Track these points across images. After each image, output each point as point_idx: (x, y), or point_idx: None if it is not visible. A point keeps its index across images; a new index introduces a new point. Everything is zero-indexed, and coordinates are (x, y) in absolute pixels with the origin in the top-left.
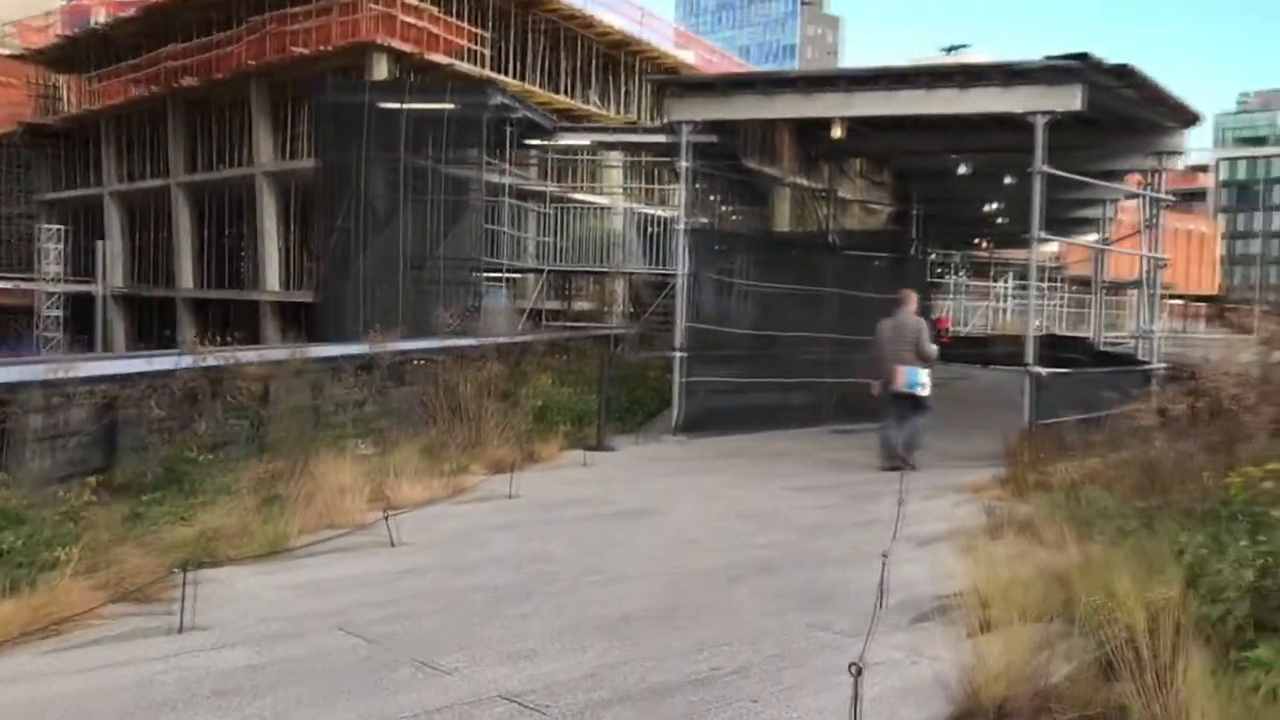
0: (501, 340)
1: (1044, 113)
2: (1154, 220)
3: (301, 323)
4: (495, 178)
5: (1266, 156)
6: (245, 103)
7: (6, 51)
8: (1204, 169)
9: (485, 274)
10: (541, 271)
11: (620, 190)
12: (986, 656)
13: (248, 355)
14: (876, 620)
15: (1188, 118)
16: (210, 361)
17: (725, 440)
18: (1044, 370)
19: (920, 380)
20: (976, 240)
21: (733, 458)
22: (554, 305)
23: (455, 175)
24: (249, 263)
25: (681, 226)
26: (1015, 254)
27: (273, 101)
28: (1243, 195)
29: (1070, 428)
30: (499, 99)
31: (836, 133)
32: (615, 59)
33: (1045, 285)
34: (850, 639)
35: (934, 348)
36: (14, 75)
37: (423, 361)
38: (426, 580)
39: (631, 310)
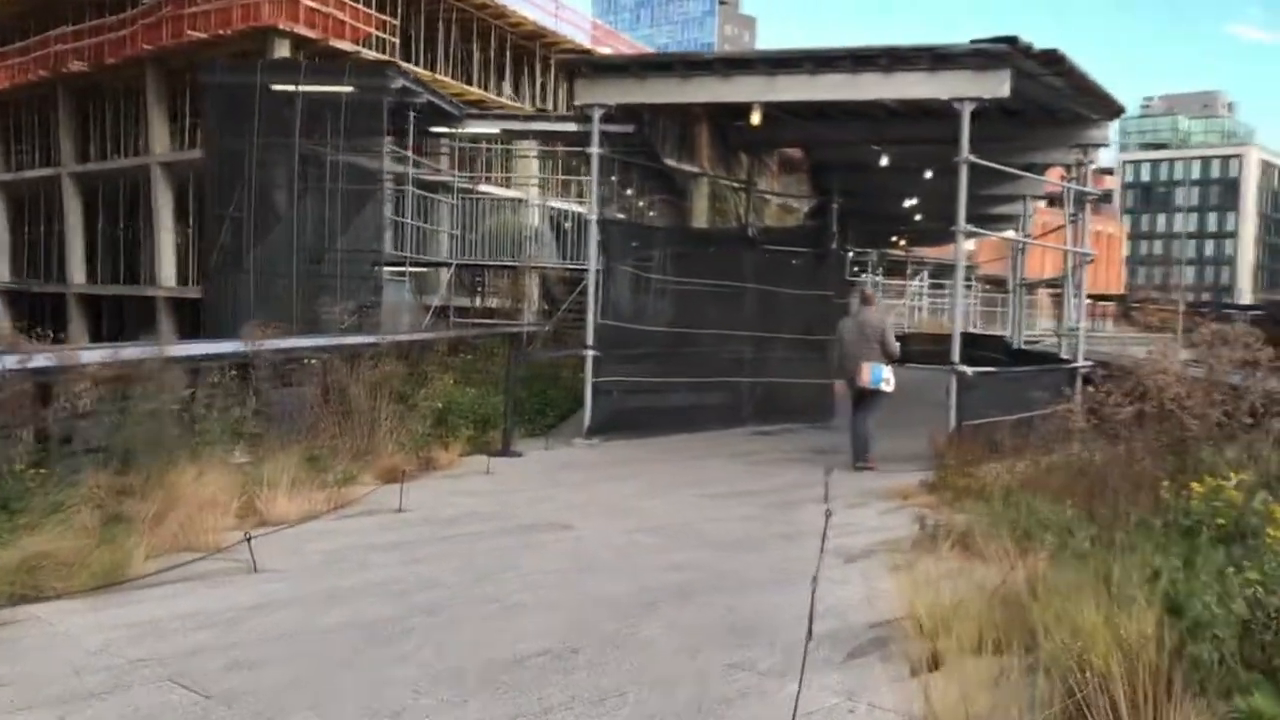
0: (400, 338)
1: (971, 99)
2: (1078, 215)
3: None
4: (398, 167)
5: (1169, 159)
6: (140, 90)
7: None
8: (1109, 172)
9: (387, 268)
10: (449, 265)
11: (533, 182)
12: (936, 703)
13: (92, 355)
14: (806, 657)
15: (1112, 109)
16: (40, 362)
17: (639, 444)
18: (970, 369)
19: (884, 376)
20: (893, 238)
21: (647, 463)
22: (464, 302)
23: (355, 164)
24: (145, 257)
25: (593, 218)
26: (931, 251)
27: (169, 89)
28: (1145, 197)
29: (999, 429)
30: (400, 82)
31: (756, 118)
32: (529, 51)
33: (960, 284)
34: (777, 680)
35: (897, 345)
36: None
37: (313, 361)
38: (289, 616)
39: (545, 307)
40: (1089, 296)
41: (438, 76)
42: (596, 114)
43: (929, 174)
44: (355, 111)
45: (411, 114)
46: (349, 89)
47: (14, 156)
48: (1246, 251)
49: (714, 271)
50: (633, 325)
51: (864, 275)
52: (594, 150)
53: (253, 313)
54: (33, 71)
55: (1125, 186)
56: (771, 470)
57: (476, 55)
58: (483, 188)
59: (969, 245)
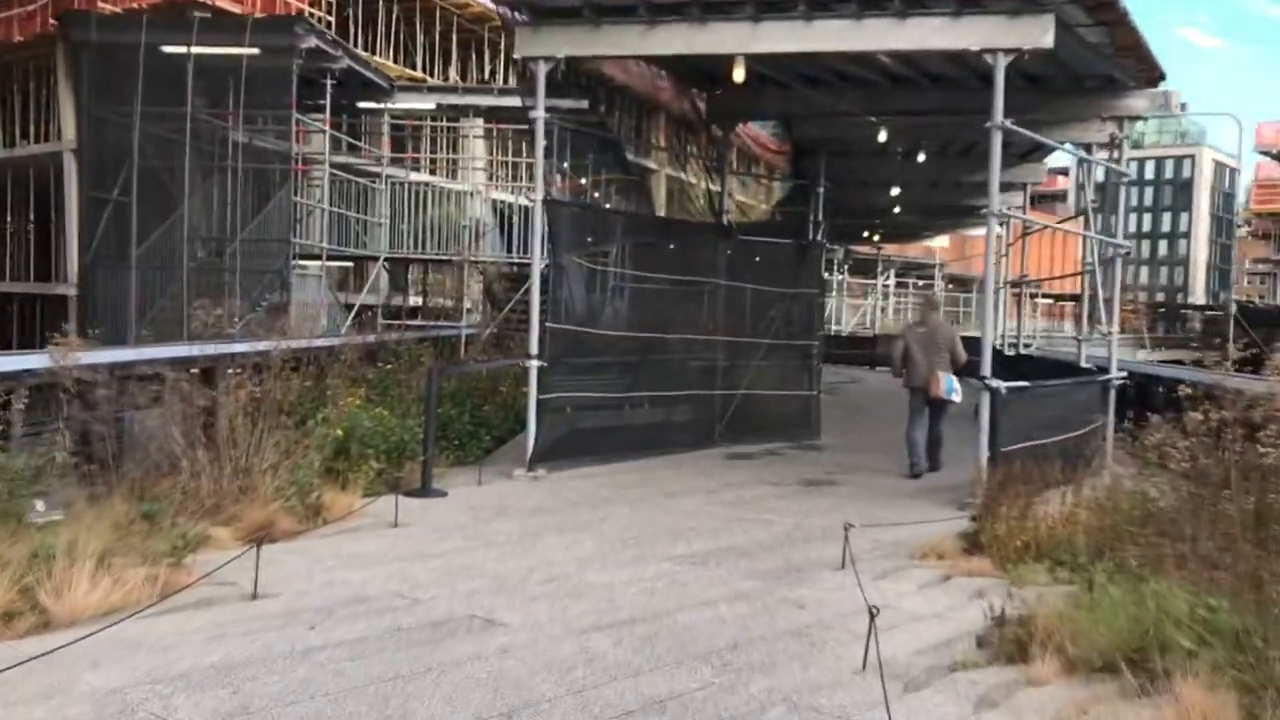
0: (297, 344)
1: (1007, 50)
2: (1108, 201)
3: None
4: (311, 148)
5: (1128, 159)
6: (50, 70)
7: None
8: (1064, 171)
9: (303, 261)
10: (377, 259)
11: (477, 167)
12: None
13: None
14: None
15: (1153, 73)
16: None
17: (594, 475)
18: (1004, 385)
19: (955, 387)
20: (866, 233)
21: (604, 504)
22: (397, 301)
23: (260, 142)
24: (57, 251)
25: (537, 198)
26: (896, 249)
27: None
28: (1101, 196)
29: (1039, 454)
30: (313, 41)
31: (739, 75)
32: (477, 36)
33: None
34: None
35: (964, 354)
36: None
37: (185, 377)
38: None
39: (487, 307)
40: (1050, 297)
41: (379, 60)
42: (541, 69)
43: (921, 157)
44: (259, 79)
45: (329, 81)
46: (251, 50)
47: None
48: (1200, 252)
49: (682, 266)
50: (586, 329)
51: (830, 275)
52: (539, 114)
53: (134, 314)
54: None
55: (1079, 186)
56: (762, 512)
57: (420, 39)
58: (418, 175)
59: (942, 241)
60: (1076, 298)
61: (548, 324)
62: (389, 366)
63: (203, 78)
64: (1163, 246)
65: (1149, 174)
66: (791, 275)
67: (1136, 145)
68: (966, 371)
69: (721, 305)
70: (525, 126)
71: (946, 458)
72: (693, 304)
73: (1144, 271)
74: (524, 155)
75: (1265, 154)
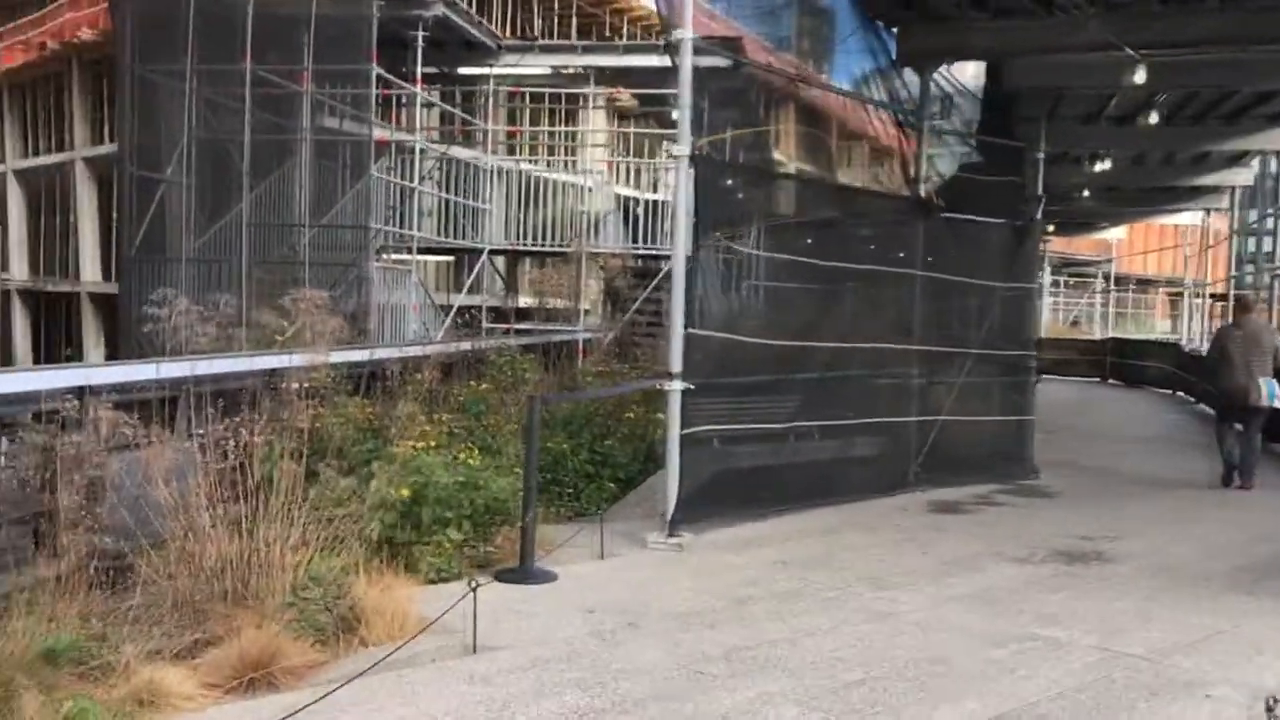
0: (356, 356)
1: None
2: None
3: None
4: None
5: None
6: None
7: None
8: None
9: (390, 255)
10: (479, 252)
11: (594, 143)
12: None
13: None
14: None
15: None
16: None
17: (757, 541)
18: None
19: (1276, 392)
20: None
21: (786, 605)
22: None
23: (334, 109)
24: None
25: (683, 152)
26: (1071, 244)
27: None
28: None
29: None
30: None
31: None
32: (598, 20)
33: (1073, 282)
34: None
35: None
36: None
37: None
38: None
39: (608, 307)
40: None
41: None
42: None
43: (1154, 118)
44: (331, 30)
45: (420, 31)
46: None
47: (29, 143)
48: None
49: (866, 252)
50: (742, 338)
51: None
52: (685, 34)
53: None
54: (46, 45)
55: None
56: (1034, 623)
57: (539, 23)
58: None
59: (1119, 232)
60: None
61: (691, 331)
62: (483, 386)
63: (265, 30)
64: None
65: None
66: (1003, 265)
67: None
68: None
69: (917, 304)
70: (658, 91)
71: None
72: (880, 303)
73: None
74: (648, 145)
75: None
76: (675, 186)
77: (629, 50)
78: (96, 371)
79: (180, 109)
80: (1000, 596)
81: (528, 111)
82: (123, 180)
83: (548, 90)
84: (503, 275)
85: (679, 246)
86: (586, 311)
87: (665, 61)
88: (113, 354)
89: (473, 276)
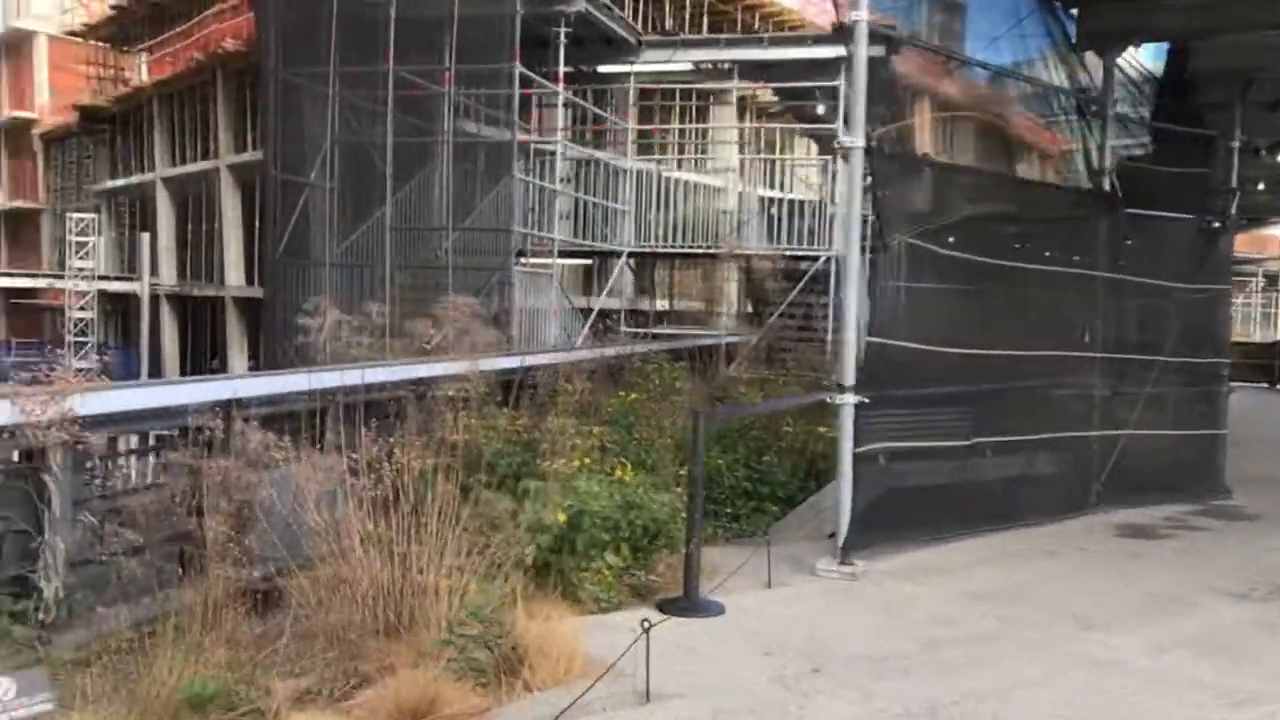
0: (506, 363)
1: None
2: None
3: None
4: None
5: None
6: None
7: (57, 31)
8: None
9: (529, 259)
10: (619, 254)
11: (728, 140)
12: None
13: None
14: None
15: None
16: None
17: (938, 570)
18: None
19: None
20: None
21: (985, 649)
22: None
23: (477, 109)
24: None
25: (855, 144)
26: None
27: None
28: None
29: None
30: None
31: None
32: (729, 18)
33: None
34: None
35: None
36: (78, 57)
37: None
38: None
39: (749, 310)
40: None
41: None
42: None
43: None
44: (473, 30)
45: (561, 29)
46: None
47: (176, 151)
48: None
49: (1045, 251)
50: (922, 345)
51: None
52: (859, 14)
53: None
54: (191, 56)
55: None
56: (1276, 673)
57: (669, 21)
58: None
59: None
60: None
61: (868, 339)
62: (632, 396)
63: (406, 32)
64: None
65: None
66: (1191, 264)
67: None
68: None
69: (1100, 308)
70: (804, 85)
71: None
72: (1059, 307)
73: None
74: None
75: None
76: (848, 180)
77: (773, 43)
78: (246, 383)
79: (323, 113)
80: (1229, 642)
81: (656, 110)
82: (267, 185)
83: (679, 87)
84: (639, 278)
85: (851, 247)
86: (725, 314)
87: (812, 54)
88: (255, 357)
89: (611, 280)
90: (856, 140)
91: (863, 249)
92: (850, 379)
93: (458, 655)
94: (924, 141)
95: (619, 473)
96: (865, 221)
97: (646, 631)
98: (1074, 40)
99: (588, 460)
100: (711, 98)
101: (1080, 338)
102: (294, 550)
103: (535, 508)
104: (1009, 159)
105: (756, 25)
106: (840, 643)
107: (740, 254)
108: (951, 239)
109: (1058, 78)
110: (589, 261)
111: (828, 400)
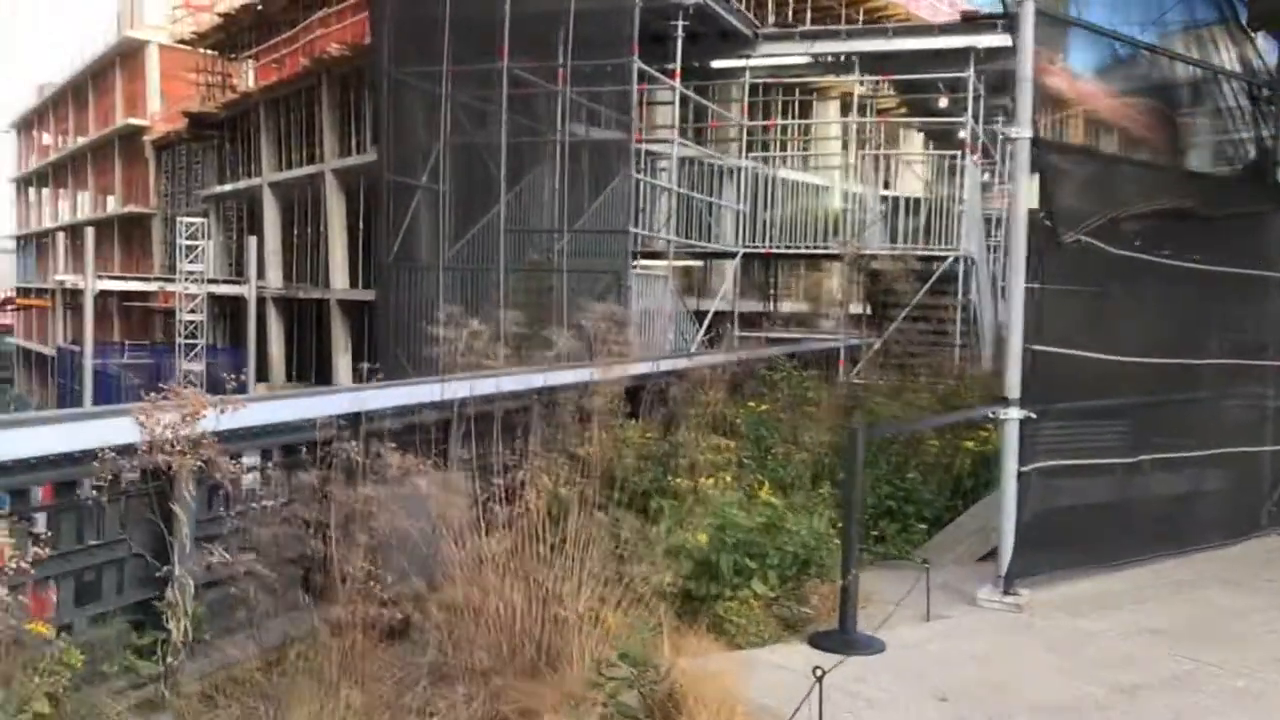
0: (642, 368)
1: None
2: None
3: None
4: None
5: None
6: None
7: (168, 40)
8: None
9: (641, 260)
10: (732, 255)
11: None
12: None
13: None
14: None
15: None
16: None
17: (1110, 603)
18: None
19: None
20: None
21: (1182, 691)
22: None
23: (590, 107)
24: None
25: (1022, 135)
26: None
27: None
28: None
29: None
30: None
31: None
32: (833, 14)
33: None
34: None
35: None
36: (187, 66)
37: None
38: None
39: (869, 313)
40: None
41: None
42: None
43: None
44: (590, 24)
45: (680, 22)
46: None
47: (282, 157)
48: None
49: (1214, 249)
50: (1094, 354)
51: None
52: (1026, 5)
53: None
54: (296, 62)
55: None
56: None
57: (770, 16)
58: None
59: None
60: None
61: (1033, 347)
62: (763, 407)
63: (521, 27)
64: None
65: None
66: None
67: None
68: None
69: (1275, 311)
70: (930, 77)
71: None
72: (1231, 310)
73: None
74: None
75: None
76: (1016, 166)
77: (898, 34)
78: (374, 394)
79: (436, 114)
80: None
81: (760, 106)
82: (380, 188)
83: (796, 81)
84: (750, 279)
85: (1017, 246)
86: (837, 317)
87: (938, 44)
88: (358, 358)
89: (725, 282)
90: (1023, 131)
91: (989, 248)
92: (1015, 391)
93: (608, 700)
94: (1080, 133)
95: (762, 493)
96: (989, 220)
97: (819, 680)
98: (1245, 21)
99: (728, 479)
100: (815, 94)
101: (1253, 344)
102: (425, 575)
103: (670, 528)
104: (1174, 151)
105: (861, 19)
106: (1019, 687)
107: (866, 254)
108: (1123, 237)
109: (1227, 61)
110: (698, 263)
111: (990, 416)
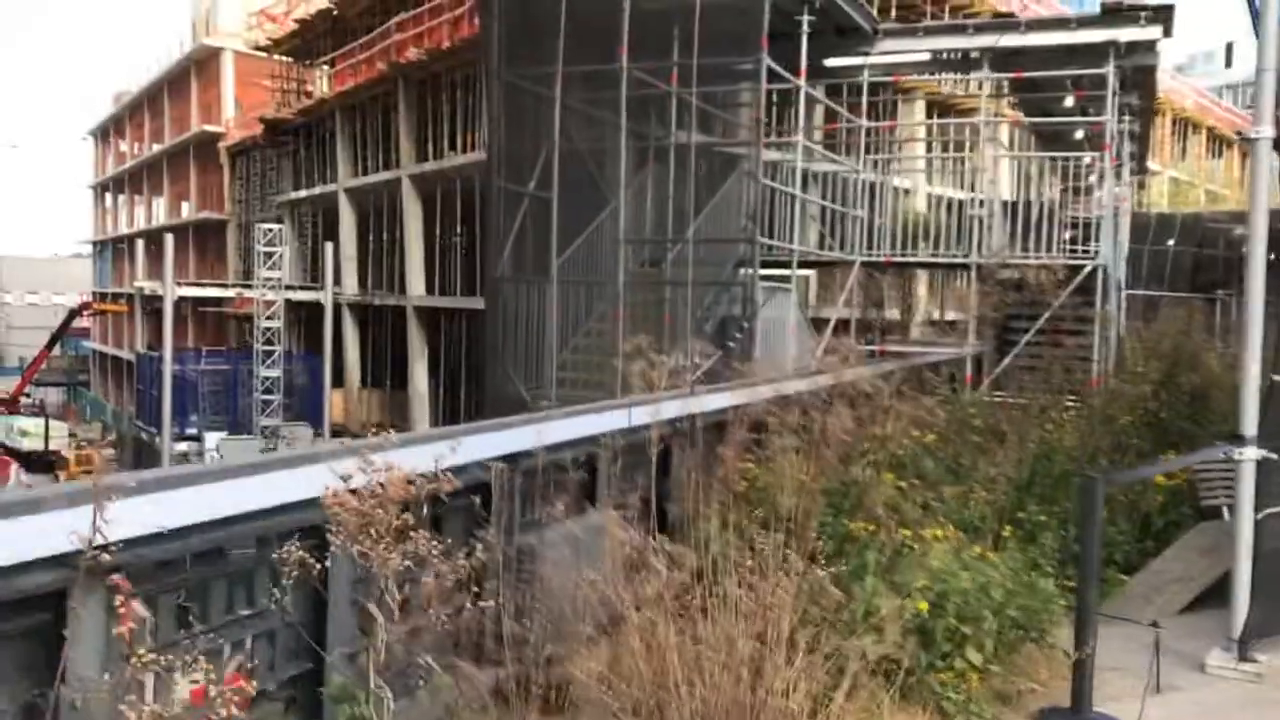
0: (796, 386)
1: None
2: None
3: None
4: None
5: None
6: (478, 78)
7: (243, 47)
8: None
9: (761, 269)
10: (853, 264)
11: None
12: None
13: None
14: None
15: None
16: None
17: None
18: None
19: None
20: None
21: None
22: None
23: (712, 110)
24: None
25: (1260, 134)
26: None
27: None
28: None
29: None
30: None
31: None
32: (918, 9)
33: None
34: None
35: None
36: (262, 72)
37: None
38: None
39: (997, 324)
40: None
41: None
42: None
43: None
44: (714, 21)
45: (805, 17)
46: None
47: (358, 163)
48: None
49: None
50: None
51: None
52: None
53: (554, 341)
54: (373, 67)
55: None
56: None
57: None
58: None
59: None
60: None
61: (1275, 377)
62: (930, 437)
63: (639, 29)
64: None
65: None
66: None
67: None
68: None
69: None
70: (1064, 74)
71: None
72: None
73: None
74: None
75: None
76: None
77: (1030, 28)
78: (553, 425)
79: (548, 116)
80: None
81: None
82: (489, 195)
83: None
84: (868, 288)
85: (1255, 254)
86: (964, 329)
87: (1075, 39)
88: (434, 368)
89: (845, 291)
90: (1264, 130)
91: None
92: (1251, 428)
93: None
94: None
95: (978, 549)
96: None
97: None
98: None
99: (941, 534)
100: (899, 95)
101: None
102: (576, 624)
103: (875, 588)
104: None
105: (945, 15)
106: None
107: (1004, 264)
108: None
109: None
110: (810, 272)
111: (1225, 455)
